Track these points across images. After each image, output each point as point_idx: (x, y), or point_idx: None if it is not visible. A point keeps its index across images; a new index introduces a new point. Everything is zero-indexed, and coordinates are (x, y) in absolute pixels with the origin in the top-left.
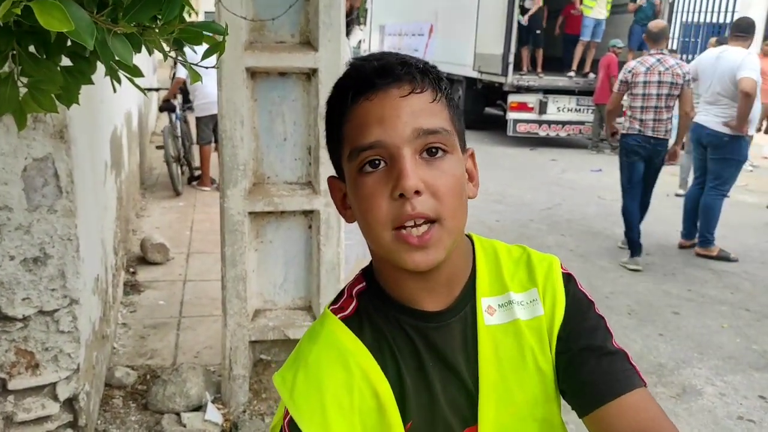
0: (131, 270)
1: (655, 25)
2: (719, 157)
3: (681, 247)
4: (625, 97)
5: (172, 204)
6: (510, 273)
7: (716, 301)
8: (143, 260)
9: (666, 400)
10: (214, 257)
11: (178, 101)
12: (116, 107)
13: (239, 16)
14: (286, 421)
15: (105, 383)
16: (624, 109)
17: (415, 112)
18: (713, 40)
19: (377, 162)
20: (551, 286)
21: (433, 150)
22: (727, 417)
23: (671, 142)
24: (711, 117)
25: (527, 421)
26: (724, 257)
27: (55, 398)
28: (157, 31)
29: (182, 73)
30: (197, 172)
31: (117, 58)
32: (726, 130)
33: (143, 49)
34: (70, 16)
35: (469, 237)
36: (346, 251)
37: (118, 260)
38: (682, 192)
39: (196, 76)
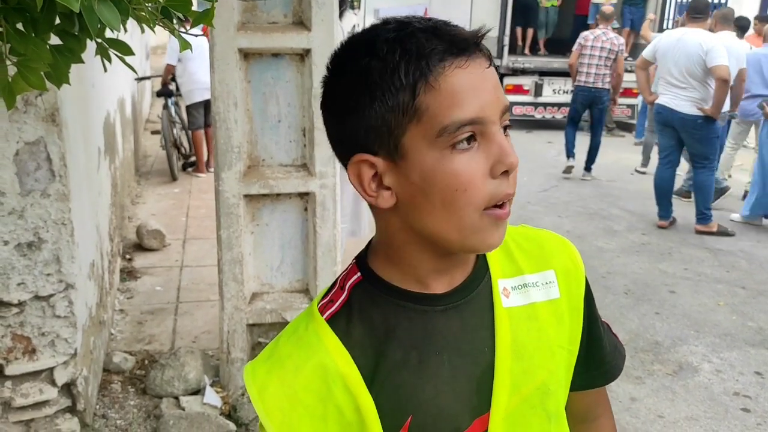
0: (127, 256)
1: (607, 8)
2: (698, 140)
3: (660, 227)
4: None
5: (168, 190)
6: (521, 254)
7: (712, 279)
8: (139, 247)
9: (663, 377)
10: (210, 243)
11: (173, 86)
12: (109, 93)
13: None
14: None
15: (103, 368)
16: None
17: (497, 86)
18: (679, 18)
19: (471, 138)
20: (574, 268)
21: (504, 126)
22: (723, 393)
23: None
24: (681, 101)
25: (537, 409)
26: (723, 232)
27: (53, 383)
28: None
29: (171, 59)
30: (192, 158)
31: (108, 33)
32: (699, 113)
33: (137, 39)
34: None
35: None
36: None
37: (114, 247)
38: (643, 170)
39: (185, 44)
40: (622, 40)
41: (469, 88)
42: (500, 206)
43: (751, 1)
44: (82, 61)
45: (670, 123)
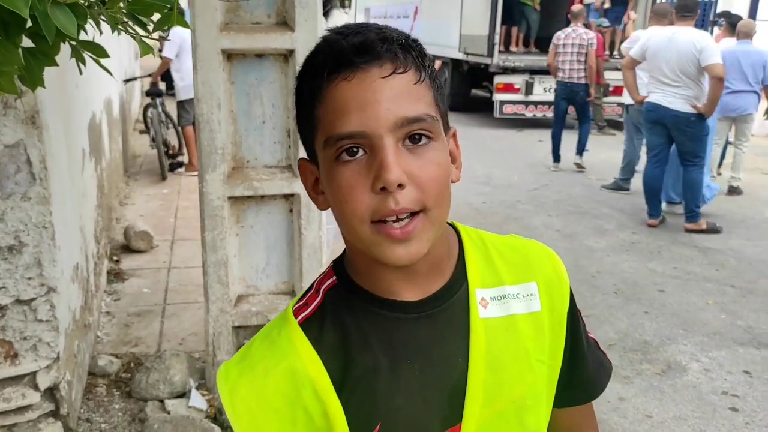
0: (115, 258)
1: (575, 7)
2: (690, 137)
3: (650, 226)
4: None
5: (157, 191)
6: (503, 264)
7: (701, 278)
8: (127, 248)
9: (651, 376)
10: (198, 244)
11: (163, 85)
12: (94, 93)
13: None
14: None
15: (88, 372)
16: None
17: (397, 96)
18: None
19: (355, 150)
20: (557, 280)
21: (416, 137)
22: (711, 392)
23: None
24: (674, 98)
25: (512, 424)
26: (712, 229)
27: (36, 387)
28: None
29: (168, 52)
30: (179, 158)
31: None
32: (692, 110)
33: (126, 39)
34: None
35: (453, 225)
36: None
37: (101, 248)
38: (627, 187)
39: (147, 49)
40: (591, 34)
41: (350, 101)
42: (396, 221)
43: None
44: (56, 64)
45: (662, 121)
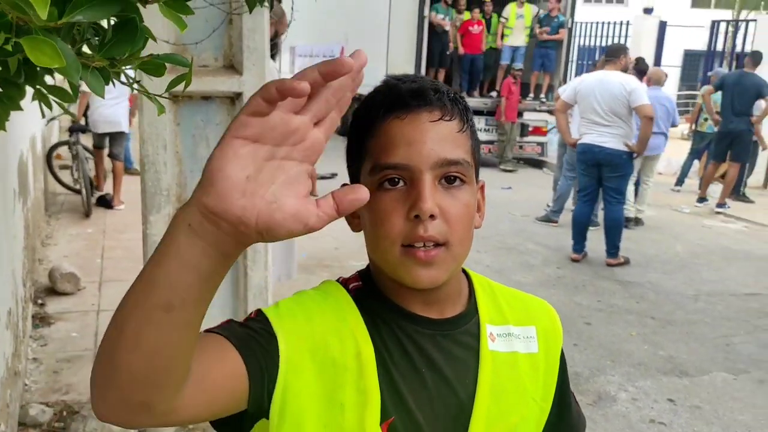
0: (39, 301)
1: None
2: (619, 175)
3: (574, 260)
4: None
5: (80, 230)
6: (507, 307)
7: (624, 310)
8: (52, 291)
9: (584, 407)
10: (128, 285)
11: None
12: (21, 132)
13: (161, 40)
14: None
15: (18, 422)
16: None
17: (441, 140)
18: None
19: (397, 180)
20: (553, 330)
21: (452, 178)
22: (640, 421)
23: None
24: (607, 137)
25: None
26: (626, 262)
27: None
28: (123, 60)
29: (86, 87)
30: (97, 193)
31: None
32: (625, 149)
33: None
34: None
35: (464, 271)
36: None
37: (26, 291)
38: (556, 219)
39: (161, 109)
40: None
41: (400, 137)
42: (421, 247)
43: (648, 45)
44: (21, 108)
45: (595, 161)
